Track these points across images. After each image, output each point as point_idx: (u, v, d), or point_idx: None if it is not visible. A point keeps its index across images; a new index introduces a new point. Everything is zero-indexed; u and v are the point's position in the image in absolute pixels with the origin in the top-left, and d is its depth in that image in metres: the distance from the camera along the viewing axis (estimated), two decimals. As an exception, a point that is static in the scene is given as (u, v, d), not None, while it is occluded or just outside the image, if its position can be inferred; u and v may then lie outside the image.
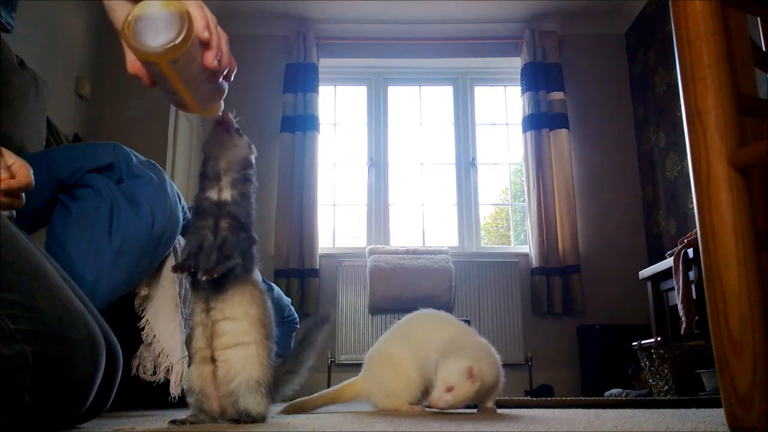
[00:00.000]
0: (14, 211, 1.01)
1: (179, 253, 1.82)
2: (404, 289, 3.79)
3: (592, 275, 4.16)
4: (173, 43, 0.77)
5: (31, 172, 1.02)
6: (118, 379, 1.10)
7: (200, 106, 0.90)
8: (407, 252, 4.04)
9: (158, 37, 0.77)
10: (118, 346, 1.11)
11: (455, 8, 4.42)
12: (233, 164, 1.05)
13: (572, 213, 4.19)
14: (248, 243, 1.04)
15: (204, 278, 0.97)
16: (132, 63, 0.85)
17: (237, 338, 1.00)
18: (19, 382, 0.81)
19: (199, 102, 0.89)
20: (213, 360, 1.01)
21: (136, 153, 1.73)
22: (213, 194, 1.03)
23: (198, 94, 0.87)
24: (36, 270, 0.91)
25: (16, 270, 0.87)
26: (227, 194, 1.03)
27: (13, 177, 1.00)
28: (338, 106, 4.76)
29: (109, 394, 1.07)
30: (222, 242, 1.01)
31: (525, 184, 4.34)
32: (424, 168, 4.66)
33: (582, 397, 2.76)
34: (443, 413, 1.33)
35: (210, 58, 0.83)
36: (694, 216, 0.88)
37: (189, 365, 1.05)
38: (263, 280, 2.55)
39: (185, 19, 0.78)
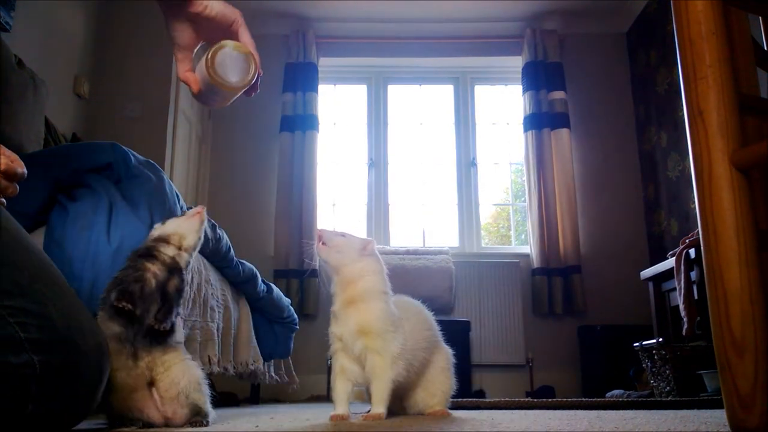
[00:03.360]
0: (4, 200, 1.00)
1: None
2: (404, 290, 3.74)
3: (594, 275, 4.16)
4: (248, 80, 1.06)
5: (24, 166, 1.01)
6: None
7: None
8: (407, 252, 4.04)
9: (236, 74, 1.05)
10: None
11: (456, 7, 4.41)
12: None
13: (573, 213, 4.18)
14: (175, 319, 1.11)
15: (161, 327, 1.03)
16: (184, 73, 1.07)
17: (176, 359, 1.06)
18: (24, 390, 0.79)
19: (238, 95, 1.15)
20: (150, 385, 1.03)
21: (135, 153, 1.72)
22: (170, 252, 1.13)
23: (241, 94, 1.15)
24: (48, 276, 0.90)
25: (29, 276, 0.86)
26: (183, 263, 1.14)
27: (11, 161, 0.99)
28: (338, 105, 4.76)
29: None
30: (170, 302, 1.07)
31: (526, 183, 4.34)
32: (424, 168, 4.66)
33: (583, 398, 2.75)
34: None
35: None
36: (696, 216, 0.87)
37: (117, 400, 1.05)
38: (262, 280, 2.55)
39: (251, 60, 1.06)
